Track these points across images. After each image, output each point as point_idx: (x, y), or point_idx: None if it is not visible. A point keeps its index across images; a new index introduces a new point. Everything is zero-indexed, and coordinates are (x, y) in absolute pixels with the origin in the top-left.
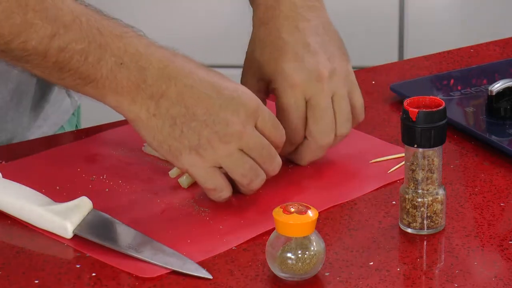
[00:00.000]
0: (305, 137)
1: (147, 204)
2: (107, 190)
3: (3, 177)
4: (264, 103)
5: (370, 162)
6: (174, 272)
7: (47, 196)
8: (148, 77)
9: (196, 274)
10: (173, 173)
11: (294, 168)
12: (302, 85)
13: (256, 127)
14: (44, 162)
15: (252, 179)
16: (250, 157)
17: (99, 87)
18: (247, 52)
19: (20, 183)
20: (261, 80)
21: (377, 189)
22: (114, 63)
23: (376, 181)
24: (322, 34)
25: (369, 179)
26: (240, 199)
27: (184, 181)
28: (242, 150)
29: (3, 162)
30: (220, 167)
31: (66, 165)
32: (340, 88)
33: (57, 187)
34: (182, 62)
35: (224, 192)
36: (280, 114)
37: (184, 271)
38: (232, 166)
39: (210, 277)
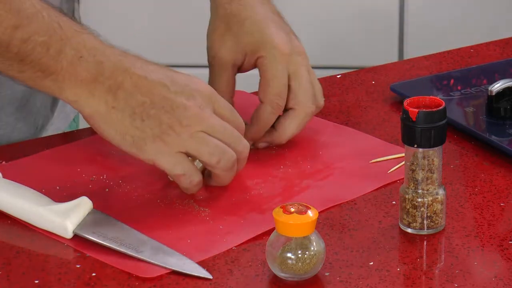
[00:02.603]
0: (285, 110)
1: (147, 204)
2: (107, 190)
3: (3, 177)
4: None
5: (370, 162)
6: (174, 272)
7: (47, 196)
8: (105, 70)
9: (196, 274)
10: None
11: (294, 168)
12: (289, 56)
13: (214, 112)
14: (45, 162)
15: (220, 156)
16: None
17: (59, 80)
18: (211, 31)
19: (20, 183)
20: (239, 52)
21: (377, 189)
22: (74, 56)
23: (376, 181)
24: (277, 16)
25: (369, 179)
26: (240, 199)
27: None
28: (205, 133)
29: (4, 162)
30: (186, 153)
31: (66, 165)
32: (309, 65)
33: (57, 187)
34: (134, 57)
35: (193, 176)
36: (265, 82)
37: (184, 271)
38: (197, 146)
39: (210, 277)
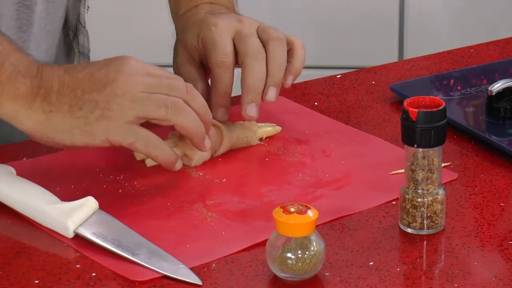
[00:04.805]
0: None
1: (156, 206)
2: (120, 191)
3: (19, 173)
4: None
5: (390, 173)
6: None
7: (60, 194)
8: (38, 82)
9: (186, 280)
10: (149, 161)
11: (312, 177)
12: (224, 24)
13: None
14: (64, 160)
15: (166, 105)
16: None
17: None
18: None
19: (37, 180)
20: (191, 51)
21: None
22: (12, 71)
23: (391, 192)
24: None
25: (384, 191)
26: (250, 206)
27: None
28: (145, 92)
29: (24, 159)
30: (136, 121)
31: (85, 164)
32: (263, 25)
33: (72, 186)
34: (58, 66)
35: (147, 137)
36: (208, 50)
37: (175, 276)
38: (142, 107)
39: (200, 283)
